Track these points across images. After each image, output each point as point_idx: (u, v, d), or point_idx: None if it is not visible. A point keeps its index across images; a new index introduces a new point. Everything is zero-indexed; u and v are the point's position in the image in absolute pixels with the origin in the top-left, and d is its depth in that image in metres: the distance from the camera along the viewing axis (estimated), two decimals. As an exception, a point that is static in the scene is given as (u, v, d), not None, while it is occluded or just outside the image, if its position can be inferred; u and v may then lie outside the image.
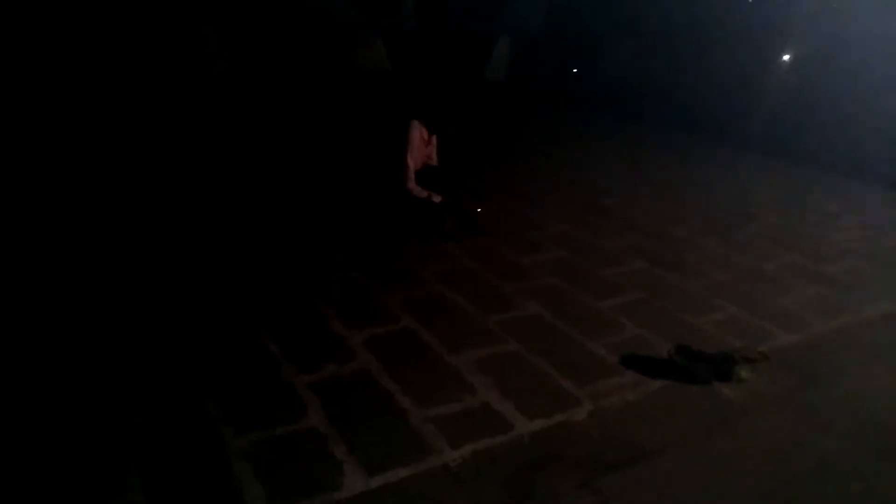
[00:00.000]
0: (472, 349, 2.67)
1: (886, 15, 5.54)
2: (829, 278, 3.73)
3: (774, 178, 6.04)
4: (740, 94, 7.44)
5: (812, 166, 6.37)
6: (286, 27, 8.23)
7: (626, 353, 2.73)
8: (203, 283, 3.06)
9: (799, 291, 3.52)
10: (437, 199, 3.91)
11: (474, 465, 2.01)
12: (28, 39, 6.50)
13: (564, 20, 10.07)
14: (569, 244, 3.93)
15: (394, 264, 3.46)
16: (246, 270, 3.24)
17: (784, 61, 6.97)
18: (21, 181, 4.07)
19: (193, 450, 1.98)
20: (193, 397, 2.22)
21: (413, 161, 3.93)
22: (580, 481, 1.98)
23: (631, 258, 3.79)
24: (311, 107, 7.26)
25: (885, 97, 6.05)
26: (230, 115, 6.44)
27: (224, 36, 7.74)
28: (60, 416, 2.05)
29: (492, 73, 9.89)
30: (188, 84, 7.25)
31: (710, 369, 2.59)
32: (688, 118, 7.85)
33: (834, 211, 5.08)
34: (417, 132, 3.94)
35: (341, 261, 3.44)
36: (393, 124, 4.05)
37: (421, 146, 4.00)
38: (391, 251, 3.63)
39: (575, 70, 10.14)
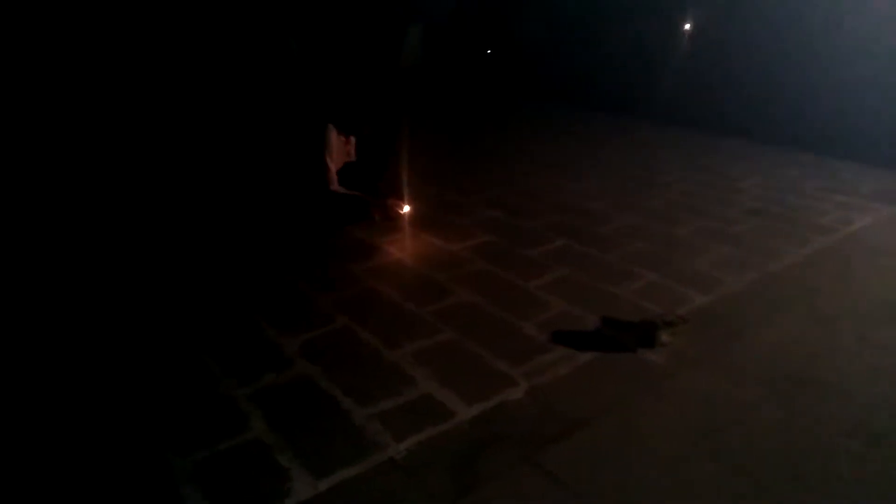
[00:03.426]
0: (410, 342, 2.72)
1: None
2: (736, 238, 3.98)
3: (679, 147, 6.33)
4: (643, 65, 7.70)
5: (712, 130, 6.73)
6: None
7: (555, 330, 2.85)
8: (128, 298, 2.98)
9: (710, 253, 3.74)
10: (361, 196, 3.92)
11: (420, 455, 2.07)
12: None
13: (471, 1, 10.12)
14: (495, 228, 4.04)
15: (323, 265, 3.46)
16: (171, 284, 3.18)
17: (686, 30, 7.27)
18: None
19: (140, 478, 1.95)
20: (136, 420, 2.19)
21: (333, 163, 3.92)
22: (521, 457, 2.07)
23: (553, 236, 3.93)
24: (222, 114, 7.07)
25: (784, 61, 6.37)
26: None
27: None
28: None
29: (406, 60, 9.87)
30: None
31: (634, 337, 2.74)
32: (600, 95, 8.09)
33: (737, 174, 5.39)
34: (334, 134, 3.93)
35: (269, 267, 3.41)
36: (309, 127, 4.02)
37: (339, 146, 4.00)
38: (319, 253, 3.63)
39: (489, 51, 10.21)
